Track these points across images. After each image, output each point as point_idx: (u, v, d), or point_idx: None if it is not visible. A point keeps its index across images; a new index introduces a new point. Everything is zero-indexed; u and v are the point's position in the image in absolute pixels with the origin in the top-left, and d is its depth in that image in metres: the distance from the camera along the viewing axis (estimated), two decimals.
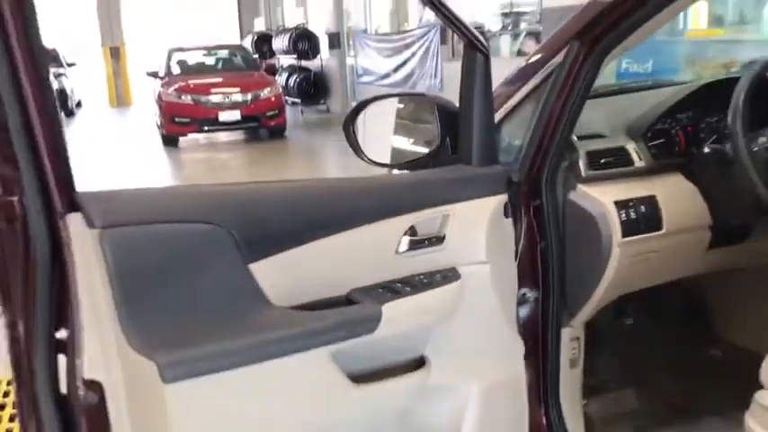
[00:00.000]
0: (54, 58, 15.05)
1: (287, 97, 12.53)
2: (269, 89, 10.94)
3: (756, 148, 1.51)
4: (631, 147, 1.66)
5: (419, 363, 1.39)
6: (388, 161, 1.75)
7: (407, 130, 1.96)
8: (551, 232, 1.59)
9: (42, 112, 0.97)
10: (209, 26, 23.52)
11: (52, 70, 12.97)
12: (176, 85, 10.71)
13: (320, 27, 14.31)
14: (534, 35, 8.25)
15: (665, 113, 1.70)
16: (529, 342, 1.61)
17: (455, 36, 9.28)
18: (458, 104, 1.55)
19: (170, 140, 10.81)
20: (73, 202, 1.03)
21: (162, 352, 1.02)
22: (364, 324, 1.21)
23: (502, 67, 1.76)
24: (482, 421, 1.48)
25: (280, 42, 14.75)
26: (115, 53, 18.13)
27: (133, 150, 11.09)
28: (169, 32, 24.67)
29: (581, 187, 1.60)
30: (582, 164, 1.60)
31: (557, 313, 1.64)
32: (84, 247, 1.02)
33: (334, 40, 13.88)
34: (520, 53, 8.14)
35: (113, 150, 11.33)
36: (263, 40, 16.05)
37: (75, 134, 12.87)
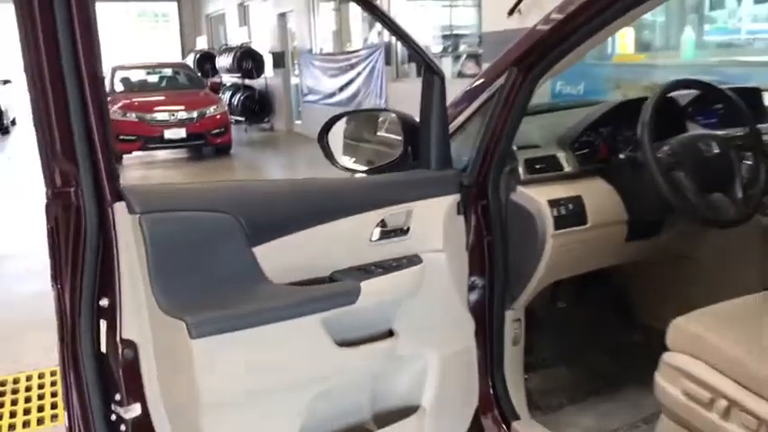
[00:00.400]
0: None
1: (231, 116, 12.68)
2: (214, 107, 11.08)
3: (660, 155, 1.82)
4: (561, 155, 1.96)
5: (389, 335, 1.66)
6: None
7: (351, 149, 2.24)
8: (496, 227, 1.87)
9: (99, 121, 1.20)
10: (151, 44, 23.42)
11: None
12: (121, 103, 10.74)
13: (264, 46, 14.51)
14: (474, 57, 8.60)
15: (589, 127, 2.02)
16: (477, 323, 1.89)
17: (398, 57, 9.68)
18: (418, 119, 1.83)
19: (115, 158, 10.81)
20: (118, 192, 1.27)
21: (188, 314, 1.26)
22: (347, 297, 1.47)
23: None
24: (440, 386, 1.75)
25: (224, 61, 14.85)
26: None
27: None
28: (109, 50, 24.41)
29: (520, 189, 1.89)
30: (521, 169, 1.89)
31: (501, 297, 1.92)
32: (125, 230, 1.25)
33: (279, 60, 14.06)
34: (461, 75, 8.48)
35: None
36: (206, 59, 16.09)
37: (13, 151, 12.73)
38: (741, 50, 5.93)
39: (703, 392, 1.56)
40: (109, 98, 9.41)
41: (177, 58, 17.72)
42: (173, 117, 10.58)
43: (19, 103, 18.68)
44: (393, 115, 2.01)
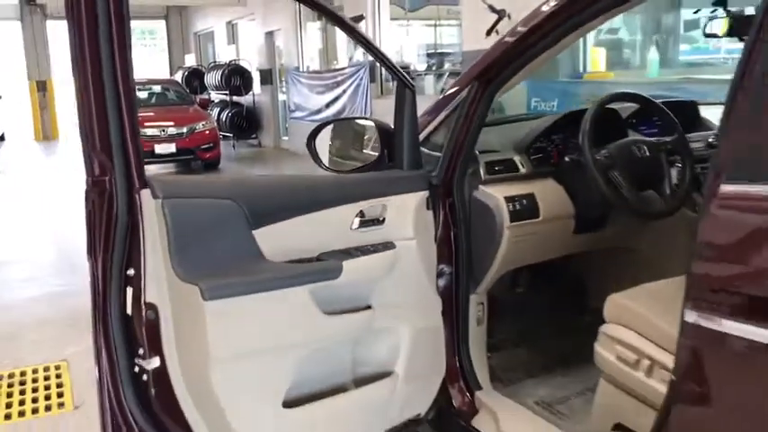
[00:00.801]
0: None
1: (219, 132, 12.92)
2: (204, 123, 11.29)
3: (599, 158, 2.13)
4: (517, 158, 2.26)
5: (367, 309, 1.94)
6: None
7: (337, 164, 2.54)
8: (461, 221, 2.16)
9: (130, 123, 1.48)
10: (139, 61, 23.67)
11: None
12: None
13: (252, 63, 14.82)
14: (456, 75, 8.95)
15: (542, 134, 2.32)
16: (445, 305, 2.17)
17: (383, 75, 10.00)
18: (393, 126, 2.13)
19: None
20: (144, 181, 1.54)
21: (201, 281, 1.54)
22: (331, 273, 1.75)
23: (427, 104, 2.35)
24: (411, 355, 2.02)
25: (212, 78, 15.07)
26: (42, 87, 18.07)
27: (65, 182, 11.23)
28: None
29: (481, 187, 2.18)
30: (482, 171, 2.18)
31: (466, 282, 2.21)
32: (150, 212, 1.52)
33: (267, 77, 14.34)
34: (443, 92, 8.80)
35: (45, 184, 11.46)
36: (194, 76, 16.29)
37: (5, 165, 12.92)
38: (707, 69, 6.29)
39: (632, 355, 1.86)
40: None
41: (165, 75, 17.96)
42: (163, 132, 10.78)
43: (8, 118, 18.95)
44: (376, 134, 2.29)
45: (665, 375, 1.72)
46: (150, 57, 22.32)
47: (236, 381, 1.63)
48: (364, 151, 2.63)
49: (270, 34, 14.06)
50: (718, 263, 1.27)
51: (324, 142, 2.40)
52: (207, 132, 11.13)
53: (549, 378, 2.44)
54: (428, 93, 9.07)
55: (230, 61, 15.04)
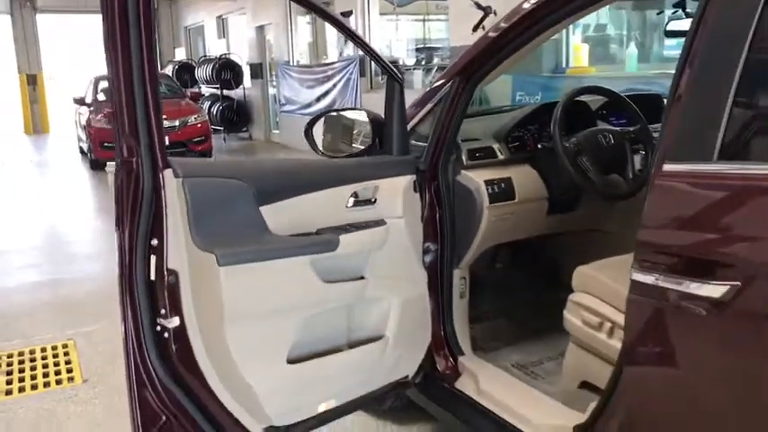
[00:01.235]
0: None
1: (210, 125, 13.04)
2: (195, 116, 11.37)
3: (568, 145, 2.36)
4: (496, 146, 2.48)
5: (360, 279, 2.16)
6: None
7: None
8: (445, 202, 2.38)
9: (155, 111, 1.69)
10: None
11: None
12: (105, 112, 11.05)
13: (242, 58, 14.94)
14: (443, 69, 9.13)
15: (518, 124, 2.55)
16: (431, 279, 2.39)
17: (372, 70, 10.20)
18: (384, 116, 2.35)
19: (98, 165, 11.21)
20: (166, 162, 1.75)
21: (217, 249, 1.75)
22: (329, 245, 1.98)
23: (415, 98, 2.57)
24: (400, 322, 2.24)
25: (203, 72, 15.18)
26: (32, 80, 18.14)
27: (61, 176, 11.39)
28: (88, 61, 24.65)
29: (464, 172, 2.40)
30: (464, 157, 2.40)
31: (450, 259, 2.43)
32: (171, 189, 1.73)
33: (257, 71, 14.49)
34: (430, 85, 9.00)
35: (39, 176, 11.61)
36: (185, 70, 16.37)
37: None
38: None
39: (595, 319, 2.09)
40: (92, 107, 9.77)
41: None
42: None
43: None
44: (366, 128, 2.51)
45: (622, 334, 1.96)
46: None
47: (247, 337, 1.85)
48: (353, 145, 2.84)
49: (260, 28, 14.20)
50: (660, 229, 1.50)
51: (319, 133, 2.62)
52: (199, 125, 11.25)
53: (524, 345, 2.68)
54: (417, 87, 9.27)
55: (221, 55, 15.14)
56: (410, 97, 2.38)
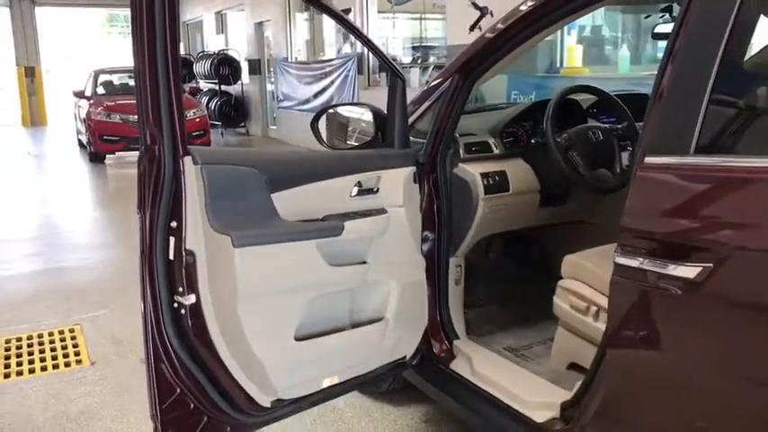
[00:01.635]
0: None
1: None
2: (194, 111, 11.44)
3: (560, 141, 2.50)
4: (491, 141, 2.62)
5: (363, 263, 2.29)
6: None
7: None
8: (443, 193, 2.52)
9: (177, 101, 1.81)
10: (125, 49, 23.70)
11: None
12: (105, 105, 11.18)
13: (241, 53, 15.02)
14: (440, 68, 9.25)
15: (513, 120, 2.68)
16: (428, 266, 2.52)
17: (370, 67, 10.32)
18: (386, 111, 2.48)
19: (97, 157, 11.33)
20: (186, 150, 1.88)
21: (232, 231, 1.88)
22: (334, 230, 2.11)
23: (412, 96, 2.70)
24: (399, 305, 2.37)
25: (201, 67, 15.27)
26: (30, 73, 18.19)
27: (61, 169, 11.47)
28: (85, 54, 24.71)
29: (461, 165, 2.53)
30: (461, 151, 2.53)
31: (446, 247, 2.57)
32: (191, 175, 1.85)
33: (255, 67, 14.59)
34: (428, 83, 9.10)
35: (44, 170, 11.69)
36: (183, 65, 16.42)
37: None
38: None
39: (582, 303, 2.24)
40: (92, 100, 9.87)
41: None
42: None
43: None
44: (363, 124, 2.65)
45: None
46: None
47: (258, 315, 1.98)
48: (348, 142, 2.97)
49: (259, 25, 14.30)
50: (640, 216, 1.64)
51: (323, 127, 2.76)
52: (198, 120, 11.34)
53: (515, 330, 2.82)
54: (414, 85, 9.39)
55: (219, 51, 15.22)
56: (407, 95, 2.51)
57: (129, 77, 12.84)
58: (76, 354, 3.68)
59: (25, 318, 4.21)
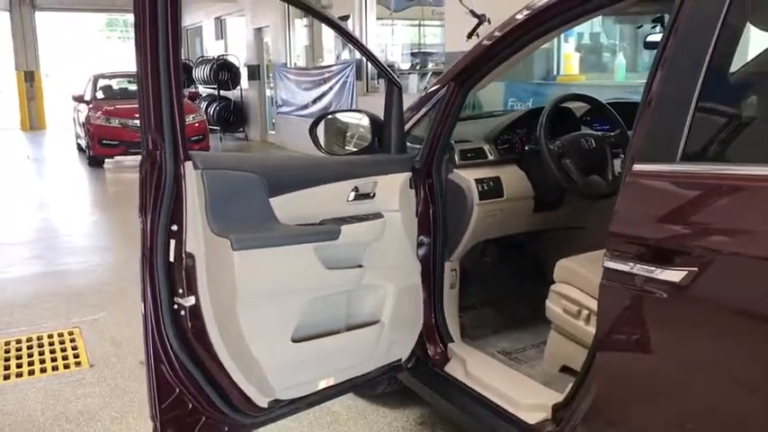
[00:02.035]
0: None
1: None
2: (193, 116, 11.42)
3: (553, 148, 2.54)
4: (486, 147, 2.66)
5: (359, 267, 2.34)
6: None
7: None
8: (438, 199, 2.56)
9: (178, 107, 1.86)
10: (125, 54, 23.80)
11: None
12: (104, 109, 11.20)
13: (240, 59, 15.05)
14: (438, 74, 9.29)
15: (508, 128, 2.73)
16: (424, 270, 2.56)
17: (369, 73, 10.38)
18: (383, 117, 2.53)
19: (96, 162, 11.37)
20: (187, 155, 1.92)
21: (231, 234, 1.93)
22: (331, 234, 2.15)
23: (410, 101, 2.75)
24: (395, 308, 2.41)
25: (200, 72, 15.33)
26: (29, 78, 18.24)
27: (60, 173, 11.51)
28: (83, 59, 24.78)
29: (456, 171, 2.57)
30: (456, 157, 2.58)
31: (442, 251, 2.61)
32: (191, 180, 1.90)
33: (254, 72, 14.65)
34: (425, 90, 9.16)
35: (43, 174, 11.73)
36: (183, 70, 16.51)
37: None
38: None
39: (574, 307, 2.28)
40: (91, 105, 9.94)
41: None
42: None
43: None
44: (362, 130, 2.69)
45: None
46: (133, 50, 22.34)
47: (256, 317, 2.02)
48: (346, 147, 3.02)
49: (258, 30, 14.36)
50: (629, 221, 1.68)
51: (321, 132, 2.80)
52: (197, 125, 11.34)
53: (509, 333, 2.86)
54: (412, 91, 9.44)
55: (219, 56, 15.28)
56: (405, 101, 2.56)
57: (129, 82, 12.91)
58: (75, 356, 3.71)
59: (25, 320, 4.25)
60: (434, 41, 11.63)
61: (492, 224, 2.63)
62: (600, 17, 6.71)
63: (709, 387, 1.57)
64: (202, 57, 16.67)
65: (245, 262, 1.95)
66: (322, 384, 2.27)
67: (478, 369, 2.48)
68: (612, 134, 2.70)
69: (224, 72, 14.69)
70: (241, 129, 15.30)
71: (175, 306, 1.97)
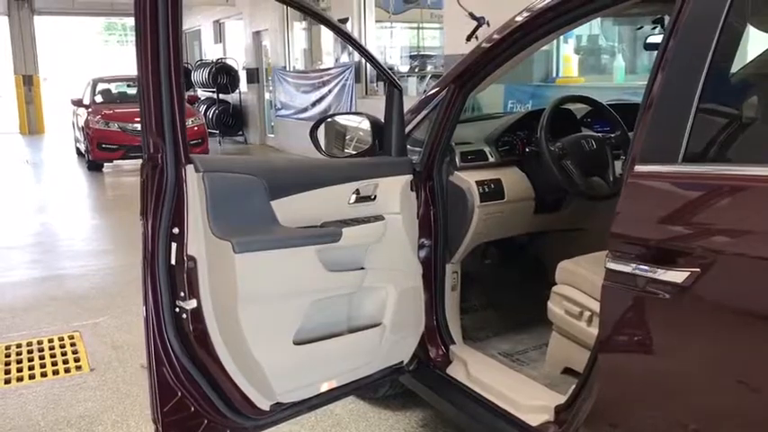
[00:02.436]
0: None
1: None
2: (192, 119, 11.42)
3: (554, 149, 2.54)
4: (487, 149, 2.66)
5: (360, 269, 2.33)
6: None
7: None
8: (439, 201, 2.56)
9: (179, 112, 1.86)
10: (122, 58, 23.81)
11: None
12: (103, 113, 11.20)
13: (239, 62, 15.05)
14: (437, 77, 9.31)
15: (508, 129, 2.73)
16: (425, 273, 2.56)
17: (368, 76, 10.39)
18: (383, 120, 2.53)
19: (95, 166, 11.38)
20: (188, 158, 1.92)
21: (233, 237, 1.92)
22: (333, 236, 2.15)
23: (410, 103, 2.75)
24: (396, 310, 2.41)
25: (199, 76, 15.34)
26: (28, 81, 18.25)
27: (59, 177, 11.50)
28: (81, 63, 24.79)
29: (456, 173, 2.57)
30: (457, 159, 2.58)
31: (443, 253, 2.61)
32: (192, 183, 1.89)
33: (253, 75, 14.65)
34: (425, 93, 9.19)
35: (42, 178, 11.72)
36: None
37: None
38: None
39: (576, 308, 2.28)
40: (90, 109, 9.95)
41: None
42: None
43: None
44: (361, 133, 2.69)
45: None
46: (131, 54, 22.36)
47: (258, 319, 2.01)
48: (346, 150, 3.02)
49: (257, 34, 14.37)
50: (630, 222, 1.68)
51: (322, 135, 2.80)
52: (195, 128, 11.33)
53: (511, 335, 2.86)
54: (411, 94, 9.45)
55: (217, 59, 15.30)
56: (405, 104, 2.56)
57: (128, 86, 12.90)
58: (76, 360, 3.71)
59: (25, 324, 4.24)
60: (433, 44, 11.65)
61: (493, 226, 2.63)
62: (599, 19, 6.73)
63: (713, 389, 1.57)
64: (201, 60, 16.69)
65: (247, 265, 1.95)
66: (324, 387, 2.27)
67: (480, 371, 2.48)
68: (613, 135, 2.70)
69: (223, 75, 14.70)
70: (240, 132, 15.31)
71: (177, 309, 1.97)
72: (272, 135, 14.26)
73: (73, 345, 3.91)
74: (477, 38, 6.94)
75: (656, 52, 1.72)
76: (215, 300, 1.97)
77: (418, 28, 12.23)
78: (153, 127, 1.86)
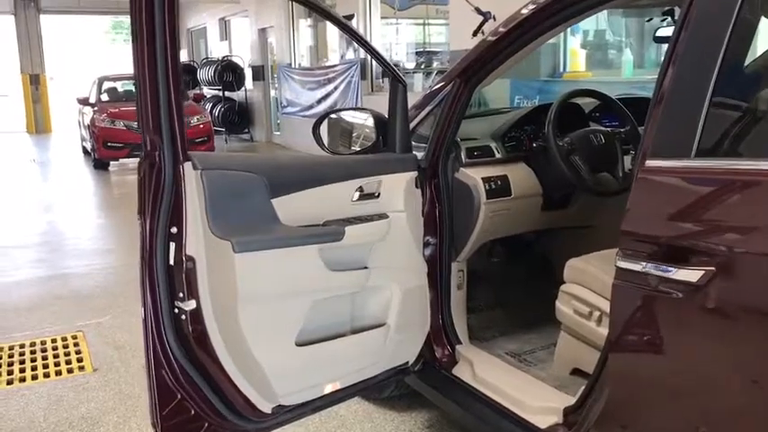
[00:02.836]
0: None
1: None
2: (198, 117, 11.45)
3: (562, 144, 2.49)
4: (493, 145, 2.61)
5: (364, 269, 2.28)
6: None
7: None
8: (444, 199, 2.51)
9: (177, 109, 1.81)
10: (130, 57, 23.67)
11: None
12: (109, 112, 11.19)
13: (244, 60, 15.04)
14: (443, 73, 9.25)
15: (515, 125, 2.68)
16: (430, 271, 2.51)
17: (373, 73, 10.33)
18: (387, 116, 2.47)
19: (101, 164, 11.37)
20: (186, 156, 1.87)
21: (232, 237, 1.88)
22: (335, 235, 2.10)
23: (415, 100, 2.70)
24: (401, 310, 2.36)
25: (205, 73, 15.34)
26: (35, 80, 18.27)
27: (65, 176, 11.51)
28: (88, 61, 24.81)
29: (462, 170, 2.52)
30: (463, 155, 2.52)
31: (449, 252, 2.56)
32: (191, 181, 1.85)
33: (259, 73, 14.62)
34: (430, 88, 9.15)
35: (49, 177, 11.73)
36: (187, 71, 16.45)
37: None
38: None
39: (585, 308, 2.22)
40: (96, 107, 9.94)
41: None
42: None
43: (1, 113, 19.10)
44: (367, 130, 2.65)
45: None
46: None
47: (259, 320, 1.97)
48: (349, 147, 2.97)
49: (263, 31, 14.34)
50: (642, 219, 1.63)
51: (325, 131, 2.75)
52: (201, 126, 11.35)
53: (518, 335, 2.80)
54: (417, 90, 9.39)
55: (223, 57, 15.29)
56: (410, 100, 2.51)
57: (134, 84, 12.76)
58: (79, 360, 3.67)
59: (29, 324, 4.22)
60: (439, 40, 11.59)
61: (500, 223, 2.58)
62: (606, 12, 6.66)
63: (726, 390, 1.52)
64: (207, 58, 16.68)
65: (247, 265, 1.90)
66: (328, 389, 2.22)
67: (487, 371, 2.43)
68: (622, 130, 2.64)
69: (228, 73, 14.69)
70: (246, 130, 15.28)
71: (176, 310, 1.92)
72: (278, 133, 14.23)
73: (76, 345, 3.88)
74: (483, 33, 6.87)
75: (665, 45, 1.67)
76: (215, 300, 1.93)
77: (424, 24, 12.16)
78: (150, 124, 1.82)
